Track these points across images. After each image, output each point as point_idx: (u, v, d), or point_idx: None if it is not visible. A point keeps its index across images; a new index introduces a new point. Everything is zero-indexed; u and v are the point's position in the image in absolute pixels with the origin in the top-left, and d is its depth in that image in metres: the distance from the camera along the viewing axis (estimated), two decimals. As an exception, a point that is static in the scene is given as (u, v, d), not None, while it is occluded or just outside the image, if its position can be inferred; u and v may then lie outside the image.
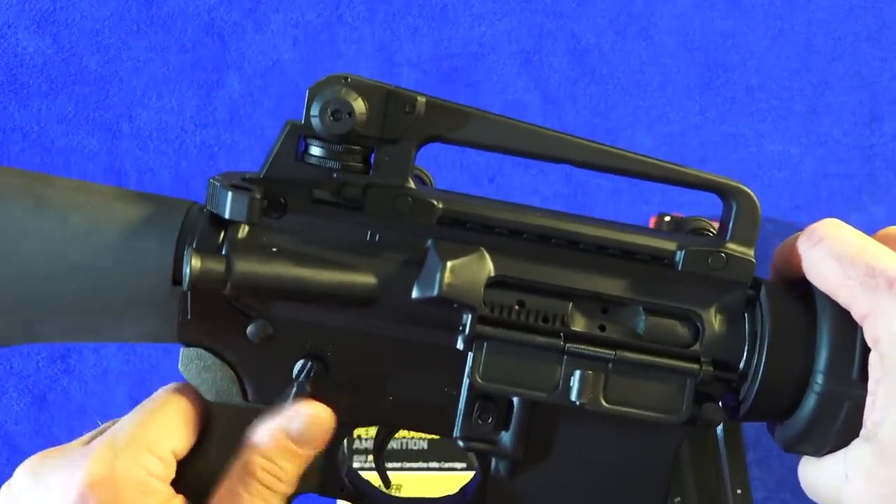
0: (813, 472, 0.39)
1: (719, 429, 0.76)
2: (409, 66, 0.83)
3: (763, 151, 0.85)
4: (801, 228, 0.38)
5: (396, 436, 0.75)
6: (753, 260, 0.39)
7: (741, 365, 0.38)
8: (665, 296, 0.39)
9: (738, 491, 0.75)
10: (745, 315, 0.39)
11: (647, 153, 0.39)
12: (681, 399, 0.38)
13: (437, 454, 0.75)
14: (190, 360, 0.39)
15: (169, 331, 0.38)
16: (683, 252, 0.39)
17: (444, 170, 0.81)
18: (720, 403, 0.39)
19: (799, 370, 0.37)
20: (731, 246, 0.39)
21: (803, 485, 0.40)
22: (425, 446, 0.75)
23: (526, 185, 0.82)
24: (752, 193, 0.39)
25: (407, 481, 0.74)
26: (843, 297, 0.37)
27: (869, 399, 0.36)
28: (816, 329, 0.38)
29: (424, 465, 0.75)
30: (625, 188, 0.82)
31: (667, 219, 0.79)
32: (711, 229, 0.43)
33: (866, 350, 0.37)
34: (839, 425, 0.37)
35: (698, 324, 0.39)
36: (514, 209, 0.39)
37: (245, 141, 0.82)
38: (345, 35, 0.83)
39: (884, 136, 0.86)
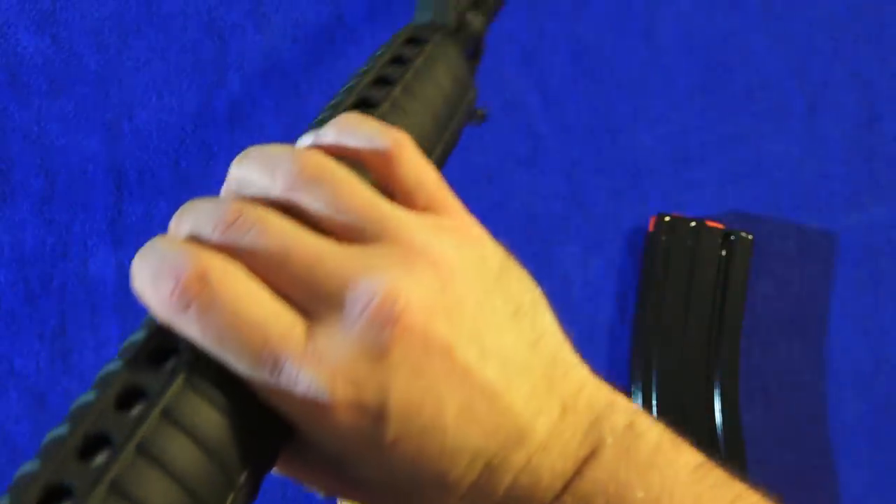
0: None
1: (719, 429, 0.76)
2: (409, 66, 0.83)
3: (763, 151, 0.85)
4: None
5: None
6: None
7: None
8: None
9: (738, 491, 0.75)
10: None
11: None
12: None
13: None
14: None
15: None
16: None
17: (443, 170, 0.81)
18: None
19: None
20: None
21: None
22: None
23: (525, 184, 0.82)
24: None
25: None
26: None
27: None
28: None
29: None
30: (625, 188, 0.82)
31: (666, 219, 0.79)
32: None
33: None
34: None
35: None
36: None
37: (245, 141, 0.82)
38: (345, 35, 0.83)
39: (884, 136, 0.86)
